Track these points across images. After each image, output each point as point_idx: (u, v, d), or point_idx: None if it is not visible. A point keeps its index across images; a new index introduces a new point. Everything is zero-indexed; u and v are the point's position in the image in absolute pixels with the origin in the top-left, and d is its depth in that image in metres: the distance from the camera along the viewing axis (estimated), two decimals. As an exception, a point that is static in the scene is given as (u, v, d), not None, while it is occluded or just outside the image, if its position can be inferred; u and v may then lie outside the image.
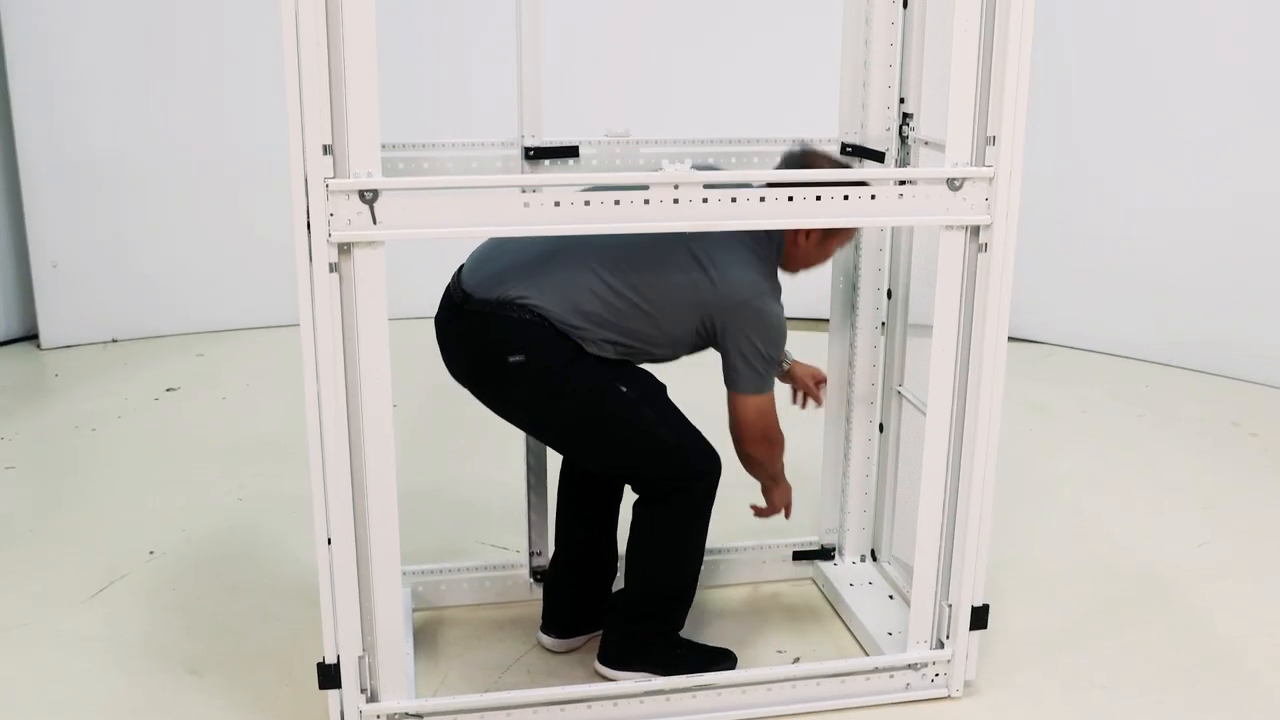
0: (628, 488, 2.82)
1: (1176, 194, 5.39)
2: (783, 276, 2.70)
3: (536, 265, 2.54)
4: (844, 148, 3.00)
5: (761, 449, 2.74)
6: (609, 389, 2.58)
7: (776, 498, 2.94)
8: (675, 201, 2.23)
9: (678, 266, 2.53)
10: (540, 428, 2.76)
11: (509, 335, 2.49)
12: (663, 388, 2.70)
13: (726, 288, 2.53)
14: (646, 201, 2.22)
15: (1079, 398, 5.08)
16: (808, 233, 2.65)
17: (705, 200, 2.24)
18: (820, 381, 3.10)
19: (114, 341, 5.74)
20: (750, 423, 2.67)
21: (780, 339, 2.63)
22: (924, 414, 2.62)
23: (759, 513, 2.98)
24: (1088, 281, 5.73)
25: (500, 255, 2.62)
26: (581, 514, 2.94)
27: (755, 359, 2.58)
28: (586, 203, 2.20)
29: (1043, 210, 5.32)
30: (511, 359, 2.50)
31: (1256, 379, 5.26)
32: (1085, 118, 5.55)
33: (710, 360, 2.66)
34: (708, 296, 2.53)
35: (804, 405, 3.13)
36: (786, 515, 2.99)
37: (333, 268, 2.13)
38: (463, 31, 5.78)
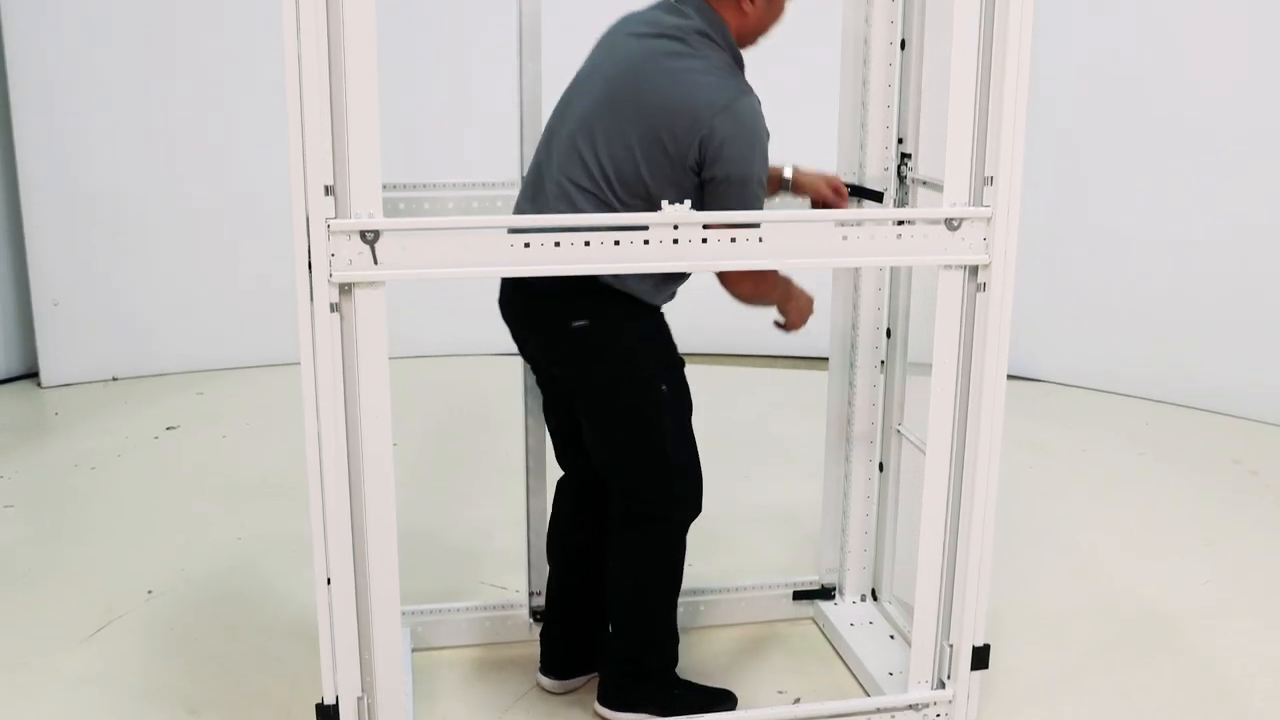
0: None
1: (1175, 231, 5.41)
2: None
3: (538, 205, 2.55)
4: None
5: (746, 288, 2.60)
6: (650, 379, 2.59)
7: (792, 314, 2.81)
8: (675, 242, 2.24)
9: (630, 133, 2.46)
10: (576, 384, 2.68)
11: (567, 301, 2.46)
12: (690, 408, 2.70)
13: (691, 116, 2.40)
14: (646, 242, 2.23)
15: (1079, 436, 5.08)
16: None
17: (705, 240, 2.26)
18: (837, 188, 2.90)
19: (114, 380, 5.75)
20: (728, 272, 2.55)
21: (766, 140, 2.48)
22: (924, 453, 2.62)
23: (780, 327, 2.87)
24: (1087, 319, 5.73)
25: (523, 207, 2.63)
26: (568, 555, 2.93)
27: (747, 180, 2.45)
28: (586, 243, 2.21)
29: (1042, 248, 5.33)
30: (575, 324, 2.51)
31: (1256, 416, 5.25)
32: (1084, 155, 5.58)
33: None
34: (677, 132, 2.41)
35: (827, 206, 2.92)
36: (792, 329, 2.86)
37: (334, 307, 2.13)
38: (462, 72, 5.81)
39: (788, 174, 2.88)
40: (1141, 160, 5.44)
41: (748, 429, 5.05)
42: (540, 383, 2.87)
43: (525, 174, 2.74)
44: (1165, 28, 5.29)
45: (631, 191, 2.44)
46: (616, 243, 2.22)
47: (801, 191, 2.89)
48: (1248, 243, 5.22)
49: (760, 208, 2.48)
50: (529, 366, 2.90)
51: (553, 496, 2.97)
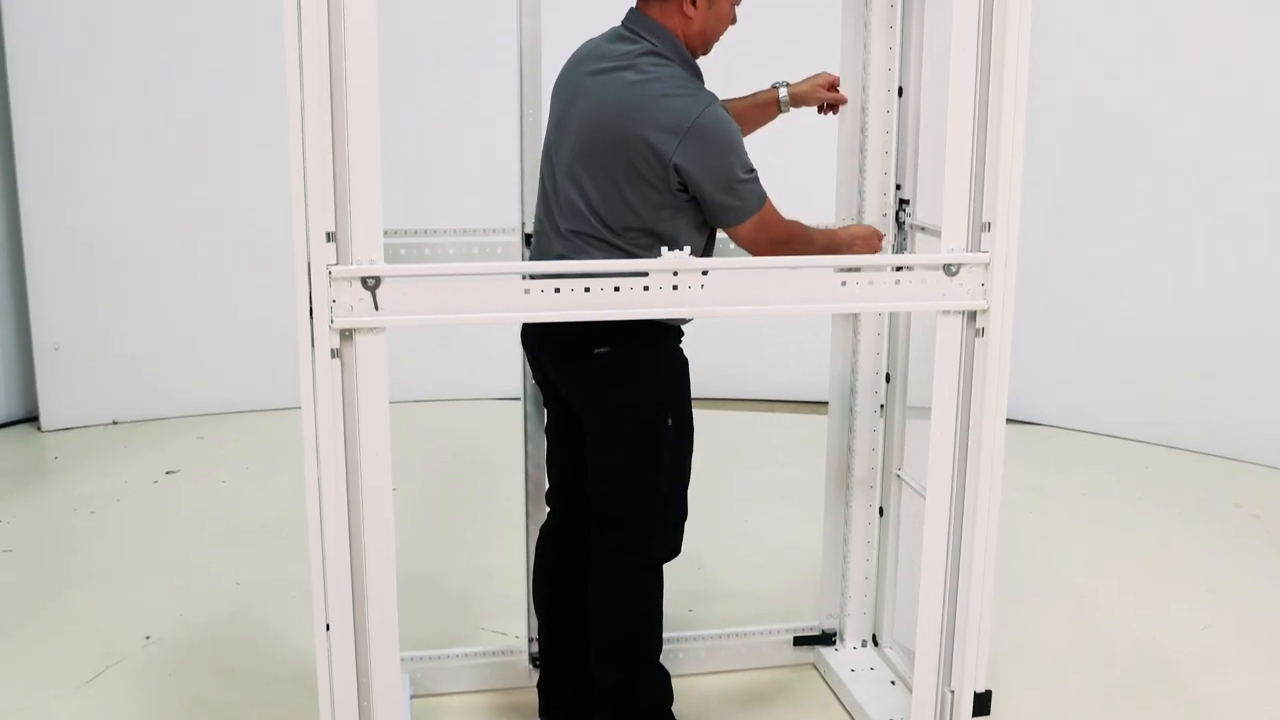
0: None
1: (1175, 275, 5.42)
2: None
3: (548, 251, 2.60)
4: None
5: (783, 251, 2.60)
6: (658, 411, 2.62)
7: (861, 247, 2.78)
8: (674, 288, 2.25)
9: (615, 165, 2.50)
10: (588, 405, 2.71)
11: (590, 327, 2.44)
12: (691, 447, 2.73)
13: (663, 134, 2.44)
14: (646, 288, 2.24)
15: (1079, 480, 5.08)
16: (693, 2, 2.55)
17: (704, 286, 2.27)
18: (831, 85, 2.93)
19: (114, 423, 5.75)
20: (760, 241, 2.57)
21: (738, 138, 2.52)
22: (924, 498, 2.61)
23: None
24: (1087, 363, 5.74)
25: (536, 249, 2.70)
26: (555, 604, 2.93)
27: (734, 180, 2.50)
28: (586, 289, 2.22)
29: (1042, 292, 5.36)
30: (596, 350, 2.54)
31: (1258, 460, 5.25)
32: (1082, 200, 5.61)
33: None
34: (654, 159, 2.45)
35: (834, 110, 2.98)
36: (878, 243, 2.84)
37: (334, 353, 2.14)
38: (462, 118, 5.85)
39: (783, 95, 2.91)
40: (1140, 204, 5.47)
41: (748, 473, 5.05)
42: (547, 401, 2.89)
43: (528, 225, 2.78)
44: (1161, 75, 5.33)
45: (628, 226, 2.50)
46: (616, 289, 2.23)
47: (802, 104, 2.93)
48: (1247, 287, 5.24)
49: (752, 197, 2.53)
50: (538, 388, 2.91)
51: (535, 545, 2.97)
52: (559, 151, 2.61)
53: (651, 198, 2.48)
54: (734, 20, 2.64)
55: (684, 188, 2.48)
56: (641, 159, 2.46)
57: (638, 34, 2.57)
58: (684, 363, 2.69)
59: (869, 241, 2.82)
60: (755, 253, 2.61)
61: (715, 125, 2.47)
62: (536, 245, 2.73)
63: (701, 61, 2.64)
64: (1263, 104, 5.10)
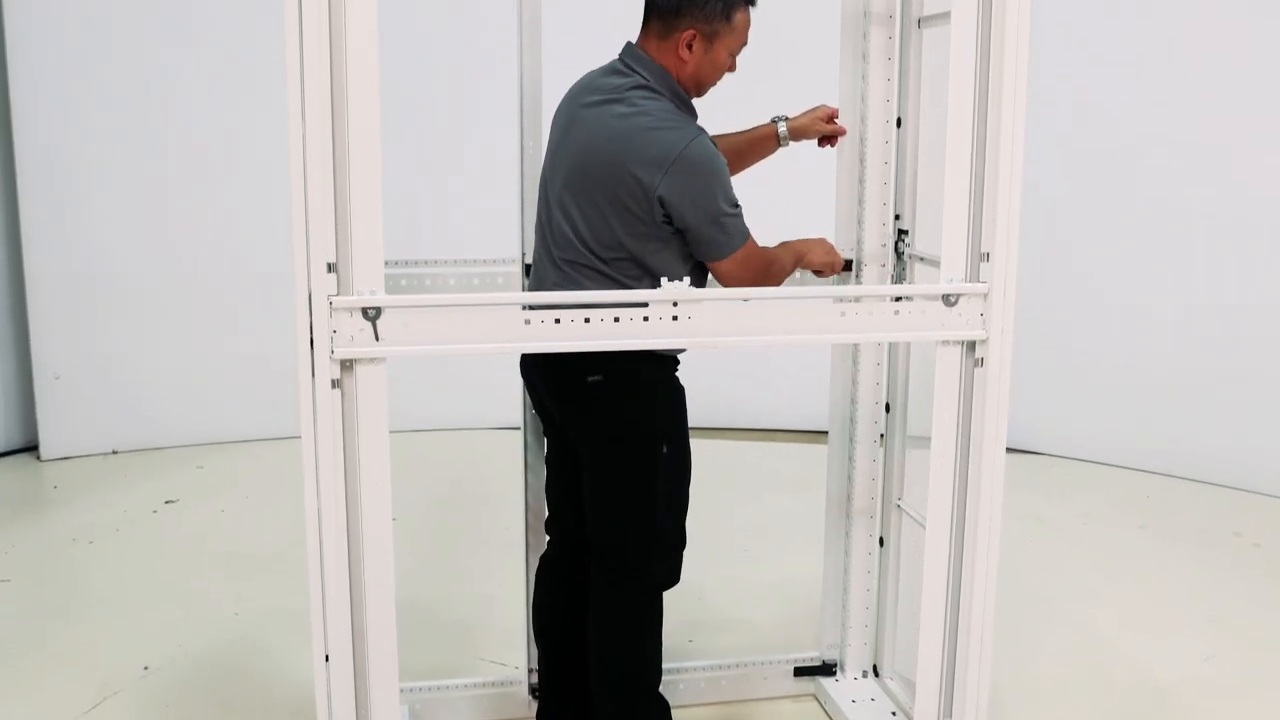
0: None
1: (1174, 304, 5.43)
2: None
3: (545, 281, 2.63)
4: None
5: (765, 283, 2.64)
6: (653, 439, 2.63)
7: (822, 266, 2.82)
8: (674, 319, 2.26)
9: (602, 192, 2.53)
10: (582, 433, 2.72)
11: (584, 355, 2.46)
12: (688, 476, 2.73)
13: (648, 166, 2.47)
14: (646, 319, 2.25)
15: (1079, 509, 5.07)
16: (689, 44, 2.57)
17: (704, 317, 2.27)
18: (830, 117, 2.94)
19: (114, 453, 5.74)
20: (743, 279, 2.60)
21: (725, 172, 2.54)
22: (924, 527, 2.61)
23: (820, 274, 2.88)
24: (1087, 393, 5.74)
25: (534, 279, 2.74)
26: (553, 634, 2.93)
27: (719, 213, 2.52)
28: (586, 320, 2.23)
29: (1041, 322, 5.36)
30: (590, 379, 2.55)
31: (1257, 489, 5.25)
32: (1080, 229, 5.62)
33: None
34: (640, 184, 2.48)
35: (833, 143, 3.00)
36: (837, 269, 2.85)
37: (335, 384, 2.15)
38: (463, 149, 5.87)
39: (782, 130, 2.92)
40: (1139, 234, 5.48)
41: (747, 502, 5.04)
42: (546, 430, 2.90)
43: (528, 256, 2.79)
44: (1160, 103, 5.35)
45: (617, 256, 2.53)
46: (616, 319, 2.24)
47: (801, 137, 2.95)
48: (1247, 315, 5.25)
49: (736, 232, 2.55)
50: (537, 417, 2.92)
51: (534, 574, 2.97)
52: (553, 182, 2.64)
53: (637, 229, 2.51)
54: (732, 69, 2.65)
55: (668, 219, 2.50)
56: (627, 191, 2.48)
57: (631, 68, 2.59)
58: (680, 391, 2.70)
59: (821, 256, 2.82)
60: (745, 286, 2.60)
61: (701, 158, 2.48)
62: (535, 275, 2.75)
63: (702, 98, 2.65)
64: (1262, 137, 5.12)
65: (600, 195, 2.51)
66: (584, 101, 2.62)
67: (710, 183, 2.50)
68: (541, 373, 2.70)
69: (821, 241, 2.84)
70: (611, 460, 2.65)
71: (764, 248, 2.66)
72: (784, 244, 2.78)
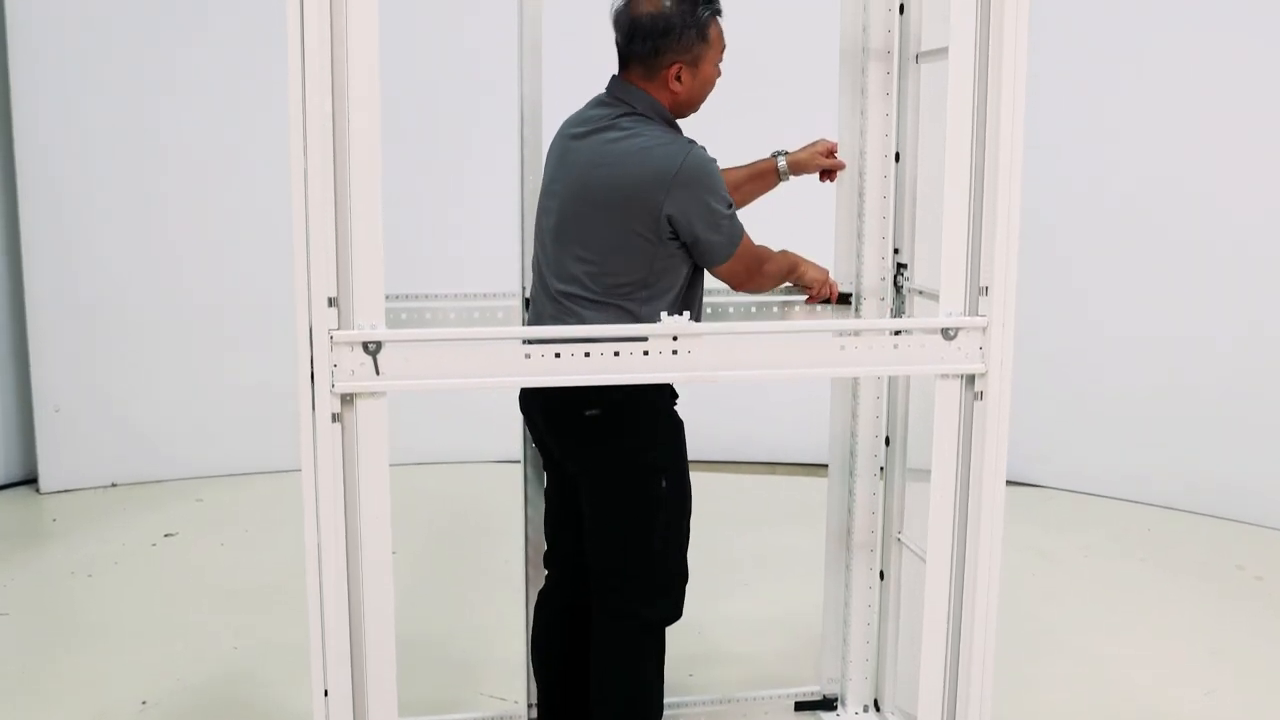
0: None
1: (1173, 336, 5.44)
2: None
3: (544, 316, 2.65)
4: (843, 298, 3.05)
5: (758, 281, 2.77)
6: (652, 473, 2.63)
7: (811, 283, 2.91)
8: (674, 353, 2.26)
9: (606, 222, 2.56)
10: (581, 467, 2.73)
11: (582, 389, 2.46)
12: (688, 510, 2.73)
13: (644, 184, 2.51)
14: (646, 353, 2.25)
15: (1080, 541, 5.06)
16: (677, 75, 2.60)
17: (703, 350, 2.27)
18: (829, 151, 3.00)
19: (114, 486, 5.74)
20: (739, 274, 2.70)
21: (719, 176, 2.58)
22: (924, 561, 2.61)
23: (811, 300, 2.96)
24: (1088, 425, 5.74)
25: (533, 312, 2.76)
26: (552, 669, 2.92)
27: (720, 217, 2.57)
28: (587, 354, 2.23)
29: (1041, 354, 5.37)
30: (587, 413, 2.57)
31: (1259, 521, 5.24)
32: (1080, 261, 5.63)
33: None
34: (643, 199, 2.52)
35: (833, 177, 3.04)
36: (832, 296, 2.95)
37: (335, 418, 2.15)
38: (462, 183, 5.90)
39: (782, 165, 2.96)
40: (1139, 266, 5.49)
41: (747, 536, 5.03)
42: (545, 464, 2.90)
43: (529, 290, 2.80)
44: (1160, 133, 5.37)
45: (621, 282, 2.55)
46: (616, 354, 2.24)
47: (801, 171, 2.99)
48: (1246, 347, 5.25)
49: (735, 233, 2.61)
50: (536, 451, 2.92)
51: (533, 609, 2.96)
52: (548, 216, 2.66)
53: (645, 250, 2.53)
54: (719, 74, 2.69)
55: (675, 235, 2.54)
56: (631, 214, 2.50)
57: (619, 99, 2.62)
58: (679, 424, 2.70)
59: (808, 281, 2.92)
60: (733, 283, 2.72)
61: (699, 169, 2.52)
62: (532, 310, 2.76)
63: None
64: (1263, 169, 5.14)
65: (602, 223, 2.53)
66: (574, 134, 2.65)
67: (710, 191, 2.55)
68: (540, 407, 2.71)
69: (821, 266, 2.90)
70: (611, 494, 2.65)
71: (758, 246, 2.72)
72: (783, 251, 2.84)
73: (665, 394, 2.66)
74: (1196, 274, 5.34)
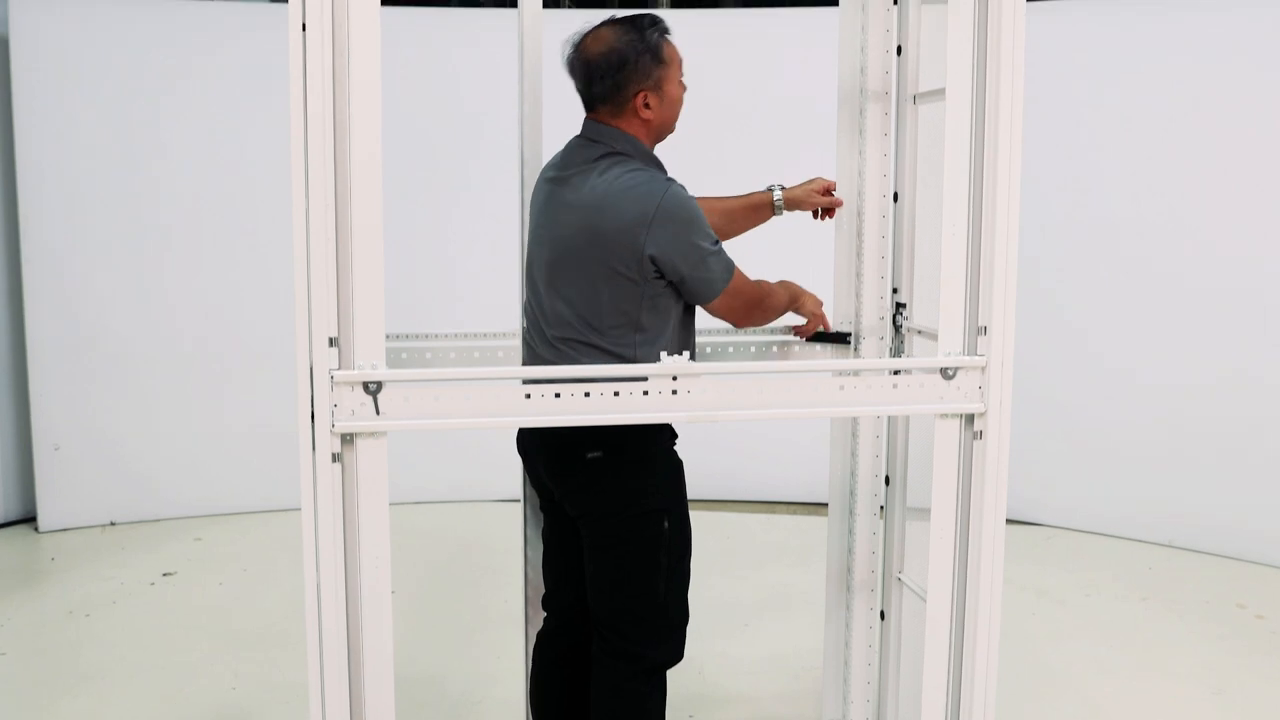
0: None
1: (1174, 374, 5.44)
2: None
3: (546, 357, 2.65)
4: (841, 337, 3.06)
5: (757, 316, 2.78)
6: (654, 514, 2.63)
7: (807, 313, 2.95)
8: (674, 393, 2.27)
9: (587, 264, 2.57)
10: (582, 509, 2.72)
11: (582, 431, 2.51)
12: (689, 550, 2.73)
13: (628, 226, 2.51)
14: (645, 393, 2.26)
15: (1081, 580, 5.05)
16: (645, 103, 2.61)
17: (703, 391, 2.28)
18: (827, 190, 3.00)
19: (112, 524, 5.72)
20: (736, 310, 2.69)
21: (701, 214, 2.57)
22: (925, 600, 2.60)
23: (799, 331, 3.00)
24: (1088, 464, 5.74)
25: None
26: (551, 705, 2.90)
27: (704, 254, 2.57)
28: (586, 394, 2.24)
29: (1040, 393, 5.38)
30: (589, 455, 2.56)
31: (1261, 560, 5.22)
32: (1079, 299, 5.65)
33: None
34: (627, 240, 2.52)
35: (830, 215, 3.04)
36: (826, 327, 2.99)
37: (335, 458, 2.15)
38: (463, 223, 5.92)
39: (777, 198, 2.97)
40: (1138, 304, 5.50)
41: (747, 575, 5.02)
42: (543, 505, 2.89)
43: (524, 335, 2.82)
44: (1160, 170, 5.40)
45: (613, 324, 2.55)
46: (616, 394, 2.25)
47: (795, 208, 3.00)
48: (1246, 385, 5.25)
49: (723, 269, 2.60)
50: (535, 493, 2.91)
51: (533, 650, 2.95)
52: (537, 262, 2.67)
53: (630, 291, 2.53)
54: (685, 89, 2.71)
55: (660, 275, 2.54)
56: (614, 256, 2.51)
57: (592, 139, 2.64)
58: (679, 464, 2.70)
59: (804, 312, 2.96)
60: (732, 320, 2.71)
61: (678, 207, 2.53)
62: (527, 354, 2.76)
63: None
64: (1263, 206, 5.16)
65: (588, 266, 2.54)
66: (554, 177, 2.67)
67: (691, 230, 2.54)
68: (539, 450, 2.70)
69: (817, 298, 2.94)
70: (613, 536, 2.64)
71: (756, 281, 2.72)
72: (783, 282, 2.85)
73: (666, 434, 2.67)
74: (1196, 313, 5.35)
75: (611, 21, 2.64)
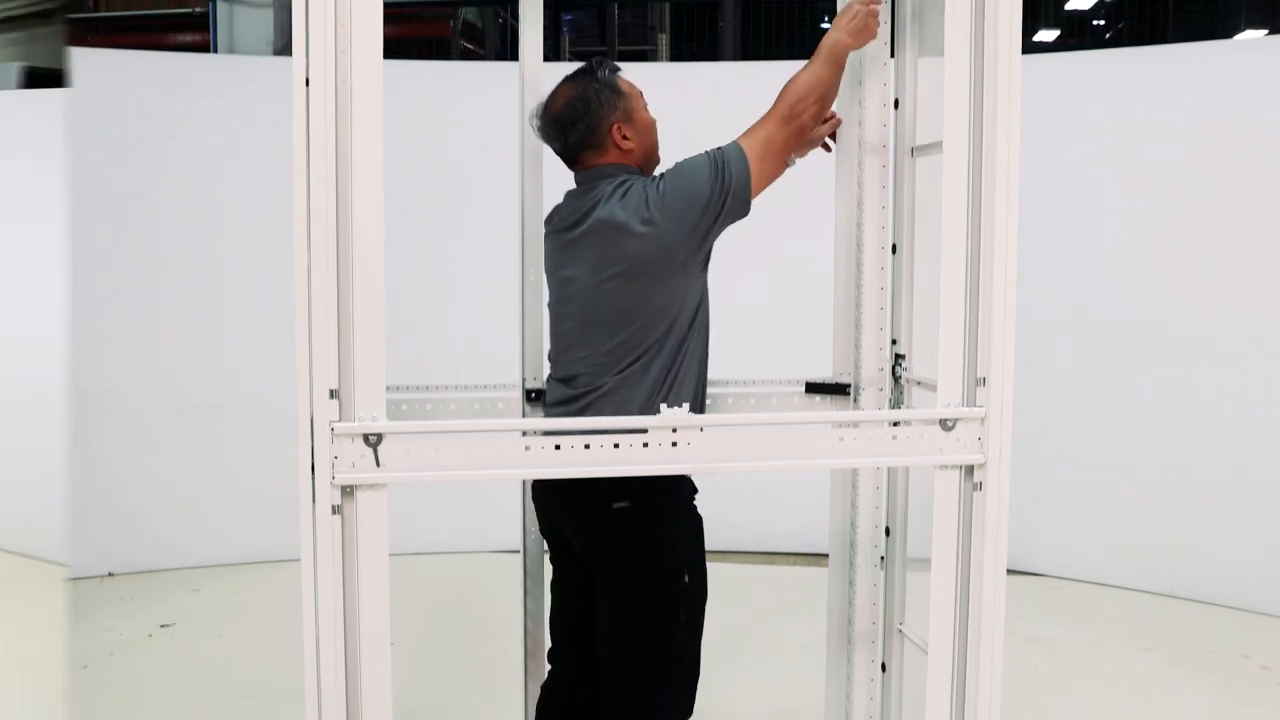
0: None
1: (1174, 423, 5.44)
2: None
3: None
4: (841, 388, 3.07)
5: (803, 118, 2.70)
6: (676, 567, 2.63)
7: (851, 39, 2.76)
8: (674, 444, 2.27)
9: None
10: (602, 559, 2.71)
11: (609, 481, 2.50)
12: (705, 603, 2.73)
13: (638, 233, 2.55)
14: (645, 444, 2.26)
15: (1084, 631, 5.02)
16: (622, 135, 2.67)
17: (702, 443, 2.28)
18: (828, 118, 2.94)
19: (110, 575, 5.70)
20: (777, 143, 2.68)
21: (683, 162, 2.62)
22: (926, 653, 2.59)
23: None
24: (1090, 513, 5.72)
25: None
26: None
27: (698, 161, 2.60)
28: (586, 445, 2.24)
29: (1040, 442, 5.36)
30: (616, 505, 2.56)
31: (1265, 610, 5.20)
32: (1079, 350, 5.65)
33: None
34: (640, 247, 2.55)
35: (833, 138, 3.02)
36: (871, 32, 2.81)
37: (335, 509, 2.15)
38: (464, 275, 5.94)
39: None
40: (1136, 354, 5.51)
41: (748, 627, 4.99)
42: (555, 556, 2.87)
43: (529, 381, 2.82)
44: (1159, 213, 5.43)
45: (653, 336, 2.59)
46: (615, 445, 2.25)
47: (808, 150, 2.98)
48: (1248, 433, 5.25)
49: (730, 154, 2.62)
50: (537, 542, 2.90)
51: (535, 704, 2.93)
52: (569, 314, 2.68)
53: (667, 266, 2.57)
54: (654, 119, 2.77)
55: (706, 235, 2.59)
56: (643, 256, 2.55)
57: (587, 181, 2.69)
58: (699, 519, 2.70)
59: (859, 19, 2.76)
60: (786, 150, 2.71)
61: (662, 176, 2.60)
62: (552, 407, 2.75)
63: None
64: (1262, 253, 5.18)
65: (623, 274, 2.57)
66: (566, 224, 2.70)
67: (680, 175, 2.59)
68: (560, 498, 2.69)
69: (847, 20, 2.76)
70: (633, 588, 2.63)
71: (777, 109, 2.69)
72: (814, 59, 2.75)
73: (687, 487, 2.67)
74: (1196, 361, 5.36)
75: (564, 79, 2.71)
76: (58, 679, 4.29)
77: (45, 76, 5.95)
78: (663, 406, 2.28)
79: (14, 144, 5.50)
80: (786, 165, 2.89)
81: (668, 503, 2.61)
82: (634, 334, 2.58)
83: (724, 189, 2.58)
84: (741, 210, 2.63)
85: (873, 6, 2.76)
